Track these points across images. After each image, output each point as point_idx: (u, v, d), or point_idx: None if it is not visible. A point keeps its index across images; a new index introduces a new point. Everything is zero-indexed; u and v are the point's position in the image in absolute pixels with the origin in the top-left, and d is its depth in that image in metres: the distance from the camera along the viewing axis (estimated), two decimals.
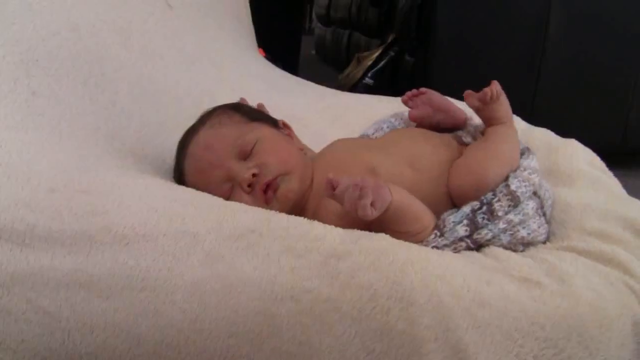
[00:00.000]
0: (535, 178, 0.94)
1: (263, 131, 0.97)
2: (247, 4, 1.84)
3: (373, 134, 1.12)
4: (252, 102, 1.26)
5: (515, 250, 0.90)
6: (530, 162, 0.98)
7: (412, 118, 1.08)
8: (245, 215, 0.78)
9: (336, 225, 0.80)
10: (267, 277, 0.71)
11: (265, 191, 0.90)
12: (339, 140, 1.05)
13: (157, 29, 1.27)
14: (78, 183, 0.80)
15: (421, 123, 1.09)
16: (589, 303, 0.77)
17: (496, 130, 0.99)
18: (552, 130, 1.27)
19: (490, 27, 2.21)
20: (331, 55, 4.42)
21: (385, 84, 2.84)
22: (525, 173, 0.94)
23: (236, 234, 0.75)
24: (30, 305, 0.71)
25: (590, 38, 2.19)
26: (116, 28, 1.16)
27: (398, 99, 1.44)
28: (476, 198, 0.90)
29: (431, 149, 0.98)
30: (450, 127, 1.08)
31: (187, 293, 0.71)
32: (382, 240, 0.77)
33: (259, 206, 0.85)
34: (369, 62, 2.83)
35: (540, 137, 1.21)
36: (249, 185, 0.90)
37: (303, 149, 1.04)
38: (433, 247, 0.85)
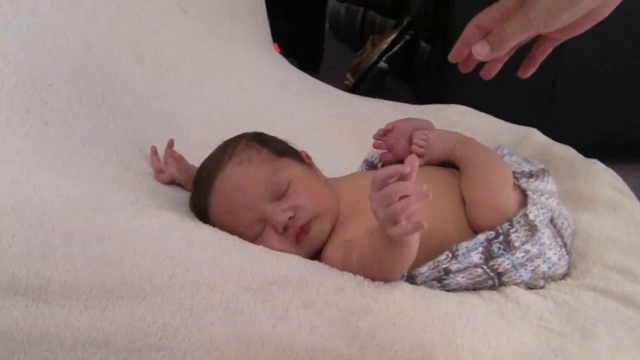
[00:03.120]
0: (552, 202, 0.93)
1: (294, 169, 0.95)
2: None
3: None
4: (267, 110, 1.24)
5: (535, 286, 0.88)
6: (546, 185, 0.96)
7: (385, 161, 1.08)
8: (262, 264, 0.77)
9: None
10: (286, 336, 0.70)
11: (298, 234, 0.89)
12: (354, 176, 1.03)
13: (170, 39, 1.25)
14: (92, 226, 0.79)
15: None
16: (610, 356, 0.76)
17: (475, 158, 0.98)
18: (569, 130, 1.25)
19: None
20: (345, 32, 4.37)
21: (400, 68, 2.81)
22: (543, 198, 0.92)
23: (254, 286, 0.74)
24: None
25: (608, 43, 2.13)
26: (130, 43, 1.14)
27: (414, 109, 1.42)
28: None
29: (440, 183, 0.97)
30: None
31: (204, 351, 0.70)
32: (402, 293, 0.75)
33: (288, 248, 0.86)
34: (384, 46, 2.79)
35: (562, 155, 1.18)
36: (284, 228, 0.89)
37: (327, 182, 1.02)
38: (444, 268, 0.84)
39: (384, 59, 2.80)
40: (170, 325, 0.71)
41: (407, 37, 2.73)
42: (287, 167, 0.95)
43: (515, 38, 0.82)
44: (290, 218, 0.89)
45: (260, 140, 0.98)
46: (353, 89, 2.72)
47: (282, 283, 0.75)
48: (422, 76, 2.54)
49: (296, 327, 0.71)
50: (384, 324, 0.71)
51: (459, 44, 0.89)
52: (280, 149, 0.98)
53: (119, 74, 1.09)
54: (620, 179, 1.15)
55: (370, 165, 1.13)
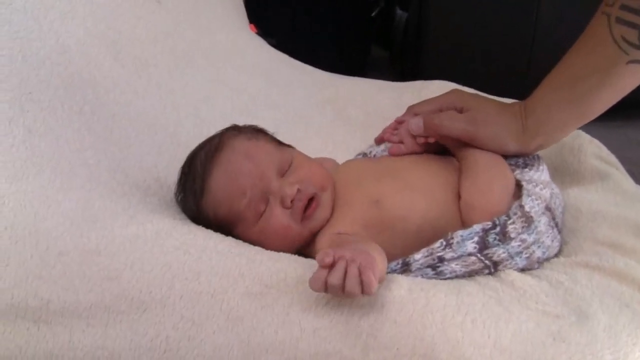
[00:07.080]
0: (546, 193, 0.92)
1: (295, 151, 0.97)
2: None
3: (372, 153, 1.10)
4: (251, 99, 1.23)
5: (531, 268, 0.89)
6: (540, 175, 0.95)
7: (396, 153, 1.01)
8: (260, 268, 0.77)
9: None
10: (289, 341, 0.71)
11: (306, 208, 0.89)
12: (345, 165, 1.02)
13: (147, 33, 1.22)
14: (87, 240, 0.79)
15: None
16: (606, 335, 0.77)
17: (478, 159, 0.94)
18: None
19: None
20: None
21: (378, 36, 2.79)
22: (537, 189, 0.92)
23: (254, 291, 0.75)
24: None
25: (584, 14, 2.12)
26: (106, 42, 1.12)
27: (398, 86, 1.42)
28: None
29: (437, 173, 0.96)
30: None
31: None
32: (400, 288, 0.76)
33: (293, 225, 0.87)
34: None
35: None
36: (292, 201, 0.88)
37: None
38: (439, 256, 0.84)
39: None
40: (173, 337, 0.72)
41: (382, 3, 2.72)
42: (288, 149, 0.97)
43: (448, 132, 0.93)
44: (298, 191, 0.88)
45: (260, 130, 0.99)
46: None
47: (281, 287, 0.75)
48: (399, 43, 2.52)
49: (298, 332, 0.72)
50: (386, 322, 0.72)
51: (392, 123, 1.02)
52: (278, 140, 1.00)
53: (98, 75, 1.07)
54: (604, 148, 1.15)
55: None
